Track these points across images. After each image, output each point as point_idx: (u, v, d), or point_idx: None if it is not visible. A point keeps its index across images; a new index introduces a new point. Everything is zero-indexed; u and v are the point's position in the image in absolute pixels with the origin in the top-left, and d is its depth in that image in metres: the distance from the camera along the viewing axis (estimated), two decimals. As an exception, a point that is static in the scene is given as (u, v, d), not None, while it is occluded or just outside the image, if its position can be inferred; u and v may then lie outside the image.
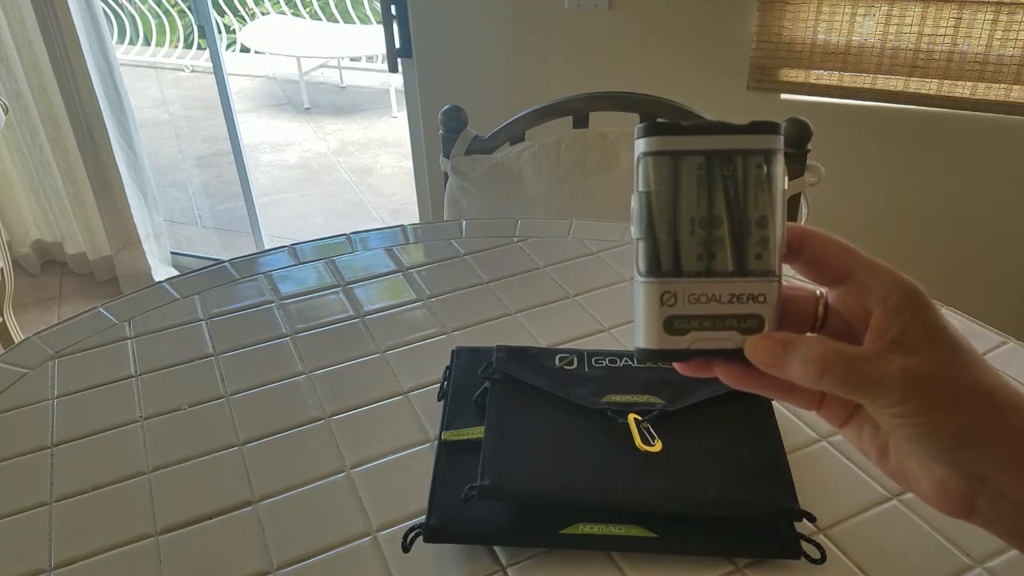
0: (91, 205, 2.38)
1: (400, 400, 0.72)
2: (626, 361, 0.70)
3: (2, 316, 1.65)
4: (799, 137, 1.10)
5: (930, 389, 0.31)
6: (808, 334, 0.35)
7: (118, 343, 0.82)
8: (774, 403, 0.66)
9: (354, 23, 4.53)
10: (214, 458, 0.67)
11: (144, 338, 0.82)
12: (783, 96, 1.62)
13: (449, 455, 0.63)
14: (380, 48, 3.22)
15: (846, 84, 1.55)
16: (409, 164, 2.14)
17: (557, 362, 0.70)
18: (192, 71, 4.67)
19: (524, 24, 1.75)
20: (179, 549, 0.59)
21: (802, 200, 1.18)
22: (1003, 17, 1.39)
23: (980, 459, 0.31)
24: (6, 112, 1.72)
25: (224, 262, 0.95)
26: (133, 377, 0.77)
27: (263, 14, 4.67)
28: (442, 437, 0.64)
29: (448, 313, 0.84)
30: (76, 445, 0.69)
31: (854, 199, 1.67)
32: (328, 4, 4.54)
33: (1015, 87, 1.43)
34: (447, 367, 0.72)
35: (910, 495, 0.54)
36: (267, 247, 1.85)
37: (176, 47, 4.80)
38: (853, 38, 1.50)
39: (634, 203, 0.34)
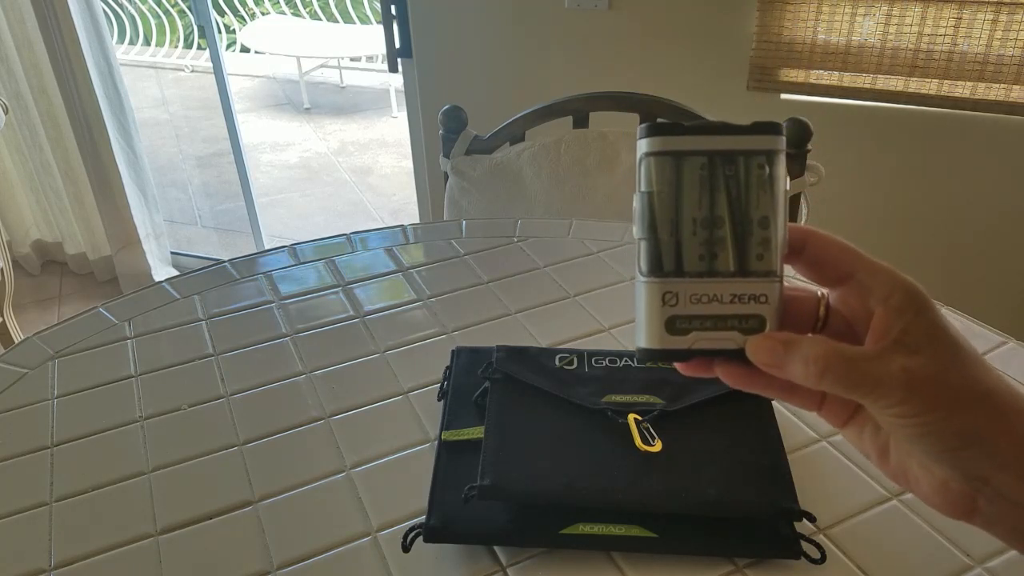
0: (91, 205, 2.38)
1: (400, 400, 0.72)
2: (626, 361, 0.70)
3: (2, 316, 1.65)
4: (799, 137, 1.10)
5: (931, 389, 0.31)
6: (809, 335, 0.35)
7: (118, 343, 0.82)
8: (774, 403, 0.66)
9: (354, 23, 4.53)
10: (214, 458, 0.67)
11: (144, 338, 0.82)
12: (783, 96, 1.62)
13: (449, 455, 0.63)
14: (380, 48, 3.22)
15: (846, 84, 1.55)
16: (409, 164, 2.14)
17: (557, 362, 0.70)
18: (192, 71, 4.67)
19: (524, 24, 1.75)
20: (179, 549, 0.58)
21: (802, 200, 1.18)
22: (1003, 17, 1.39)
23: (981, 459, 0.31)
24: (6, 112, 1.72)
25: (224, 262, 0.95)
26: (133, 377, 0.77)
27: (263, 14, 4.67)
28: (442, 437, 0.64)
29: (448, 313, 0.84)
30: (76, 445, 0.69)
31: (854, 199, 1.67)
32: (328, 4, 4.54)
33: (1015, 87, 1.43)
34: (447, 367, 0.72)
35: (910, 495, 0.54)
36: (267, 247, 1.85)
37: (176, 47, 4.80)
38: (853, 38, 1.50)
39: (636, 203, 0.34)
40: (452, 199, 1.28)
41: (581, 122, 1.24)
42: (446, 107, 1.23)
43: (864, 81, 1.53)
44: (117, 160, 2.27)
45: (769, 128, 0.33)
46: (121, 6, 4.74)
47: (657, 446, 0.60)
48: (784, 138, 0.34)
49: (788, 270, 0.35)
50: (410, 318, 0.84)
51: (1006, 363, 0.73)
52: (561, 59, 1.75)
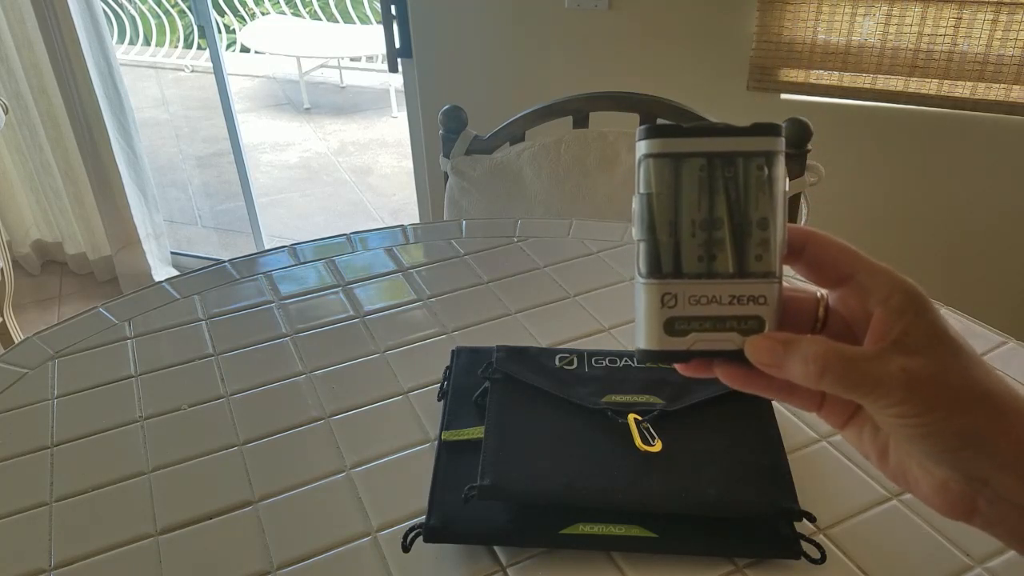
0: (91, 205, 2.38)
1: (400, 400, 0.72)
2: (626, 361, 0.70)
3: (2, 316, 1.65)
4: (799, 137, 1.10)
5: (931, 390, 0.31)
6: (808, 335, 0.35)
7: (118, 343, 0.82)
8: (774, 403, 0.66)
9: (354, 23, 4.53)
10: (214, 458, 0.67)
11: (144, 338, 0.82)
12: (783, 96, 1.62)
13: (449, 455, 0.63)
14: (380, 48, 3.22)
15: (846, 84, 1.55)
16: (409, 164, 2.14)
17: (557, 362, 0.70)
18: (192, 71, 4.67)
19: (524, 24, 1.75)
20: (179, 549, 0.59)
21: (802, 200, 1.18)
22: (1003, 17, 1.39)
23: (981, 460, 0.31)
24: (6, 112, 1.72)
25: (224, 262, 0.95)
26: (133, 377, 0.77)
27: (263, 14, 4.67)
28: (442, 437, 0.64)
29: (448, 313, 0.84)
30: (76, 445, 0.69)
31: (854, 199, 1.67)
32: (328, 4, 4.54)
33: (1015, 87, 1.43)
34: (447, 367, 0.72)
35: (910, 495, 0.54)
36: (267, 247, 1.85)
37: (176, 47, 4.80)
38: (853, 38, 1.50)
39: (635, 204, 0.34)
40: (452, 199, 1.28)
41: (581, 122, 1.24)
42: (446, 107, 1.23)
43: (864, 81, 1.53)
44: (117, 160, 2.27)
45: (768, 129, 0.33)
46: (121, 6, 4.74)
47: (657, 446, 0.60)
48: (783, 139, 0.34)
49: (787, 271, 0.35)
50: (410, 318, 0.84)
51: (1006, 363, 0.73)
52: (561, 59, 1.75)
